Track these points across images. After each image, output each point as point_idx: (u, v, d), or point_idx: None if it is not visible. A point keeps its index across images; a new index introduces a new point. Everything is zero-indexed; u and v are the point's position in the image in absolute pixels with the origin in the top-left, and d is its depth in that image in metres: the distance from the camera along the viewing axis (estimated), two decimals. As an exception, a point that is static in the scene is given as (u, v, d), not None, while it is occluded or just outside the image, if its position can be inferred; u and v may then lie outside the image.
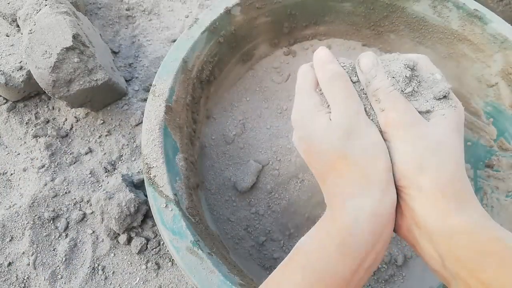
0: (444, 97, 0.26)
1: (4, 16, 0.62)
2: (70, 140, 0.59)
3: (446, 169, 0.23)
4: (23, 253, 0.50)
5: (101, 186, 0.55)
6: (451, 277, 0.23)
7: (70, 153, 0.58)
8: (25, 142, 0.59)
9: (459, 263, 0.22)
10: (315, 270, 0.23)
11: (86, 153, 0.58)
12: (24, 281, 0.49)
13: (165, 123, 0.41)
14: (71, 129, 0.60)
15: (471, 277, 0.22)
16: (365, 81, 0.27)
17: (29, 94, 0.61)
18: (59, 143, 0.59)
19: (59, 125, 0.60)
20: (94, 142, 0.59)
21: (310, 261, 0.24)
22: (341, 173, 0.25)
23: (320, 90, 0.28)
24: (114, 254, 0.51)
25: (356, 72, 0.28)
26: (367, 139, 0.25)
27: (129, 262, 0.51)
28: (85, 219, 0.53)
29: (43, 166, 0.56)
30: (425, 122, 0.25)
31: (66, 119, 0.61)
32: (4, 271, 0.50)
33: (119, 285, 0.49)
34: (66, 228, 0.52)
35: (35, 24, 0.51)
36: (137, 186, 0.54)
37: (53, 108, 0.62)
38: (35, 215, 0.52)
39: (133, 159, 0.57)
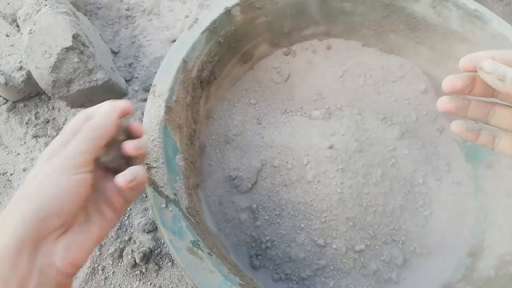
0: None
1: (4, 16, 0.62)
2: (70, 140, 0.59)
3: None
4: (23, 253, 0.50)
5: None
6: None
7: (70, 153, 0.58)
8: (25, 142, 0.59)
9: None
10: None
11: (86, 153, 0.58)
12: (24, 281, 0.49)
13: (165, 123, 0.41)
14: (71, 129, 0.60)
15: None
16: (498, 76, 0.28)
17: (29, 94, 0.61)
18: (59, 143, 0.59)
19: (59, 125, 0.60)
20: (94, 142, 0.59)
21: None
22: None
23: None
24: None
25: None
26: None
27: (129, 262, 0.51)
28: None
29: (43, 166, 0.56)
30: None
31: (66, 119, 0.61)
32: (4, 271, 0.50)
33: (119, 285, 0.49)
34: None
35: (35, 24, 0.51)
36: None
37: (53, 108, 0.62)
38: (35, 215, 0.52)
39: (133, 159, 0.57)
